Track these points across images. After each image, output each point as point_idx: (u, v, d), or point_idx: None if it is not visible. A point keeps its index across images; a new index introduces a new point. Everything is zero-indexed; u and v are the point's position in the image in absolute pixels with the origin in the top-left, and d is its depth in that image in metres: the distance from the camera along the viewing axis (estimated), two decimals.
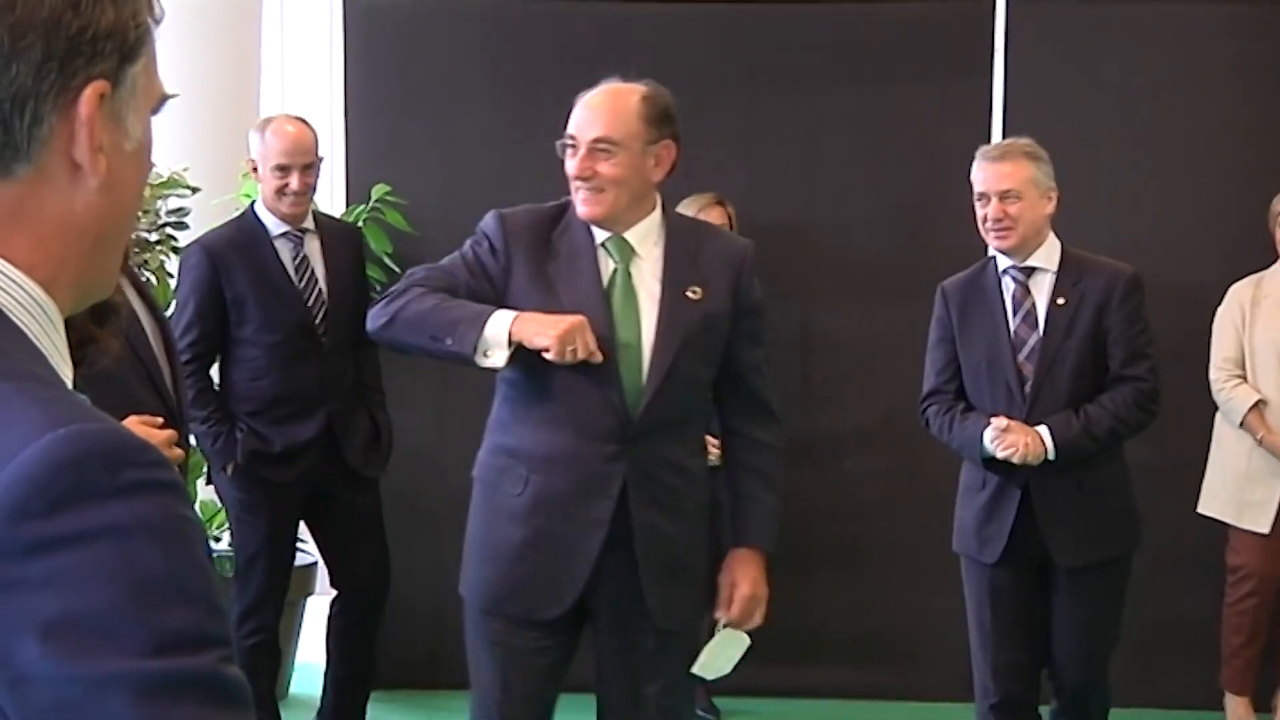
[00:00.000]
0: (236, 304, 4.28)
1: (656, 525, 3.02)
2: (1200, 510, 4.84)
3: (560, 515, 3.01)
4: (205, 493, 4.64)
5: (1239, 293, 4.81)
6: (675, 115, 3.04)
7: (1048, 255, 3.85)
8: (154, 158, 1.10)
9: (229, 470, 4.28)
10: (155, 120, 1.07)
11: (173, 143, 4.48)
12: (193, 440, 3.93)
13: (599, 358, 2.88)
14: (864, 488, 5.21)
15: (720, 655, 3.18)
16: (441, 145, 5.23)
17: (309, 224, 4.41)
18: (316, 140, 4.37)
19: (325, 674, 4.64)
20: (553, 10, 5.24)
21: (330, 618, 4.60)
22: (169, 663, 0.87)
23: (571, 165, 3.00)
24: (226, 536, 4.67)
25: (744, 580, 3.13)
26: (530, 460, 3.03)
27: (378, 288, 5.03)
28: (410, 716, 5.12)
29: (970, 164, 3.87)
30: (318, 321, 4.36)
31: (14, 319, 0.99)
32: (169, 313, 4.07)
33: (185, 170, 4.68)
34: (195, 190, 4.74)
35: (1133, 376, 3.80)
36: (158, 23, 1.04)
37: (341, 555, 4.55)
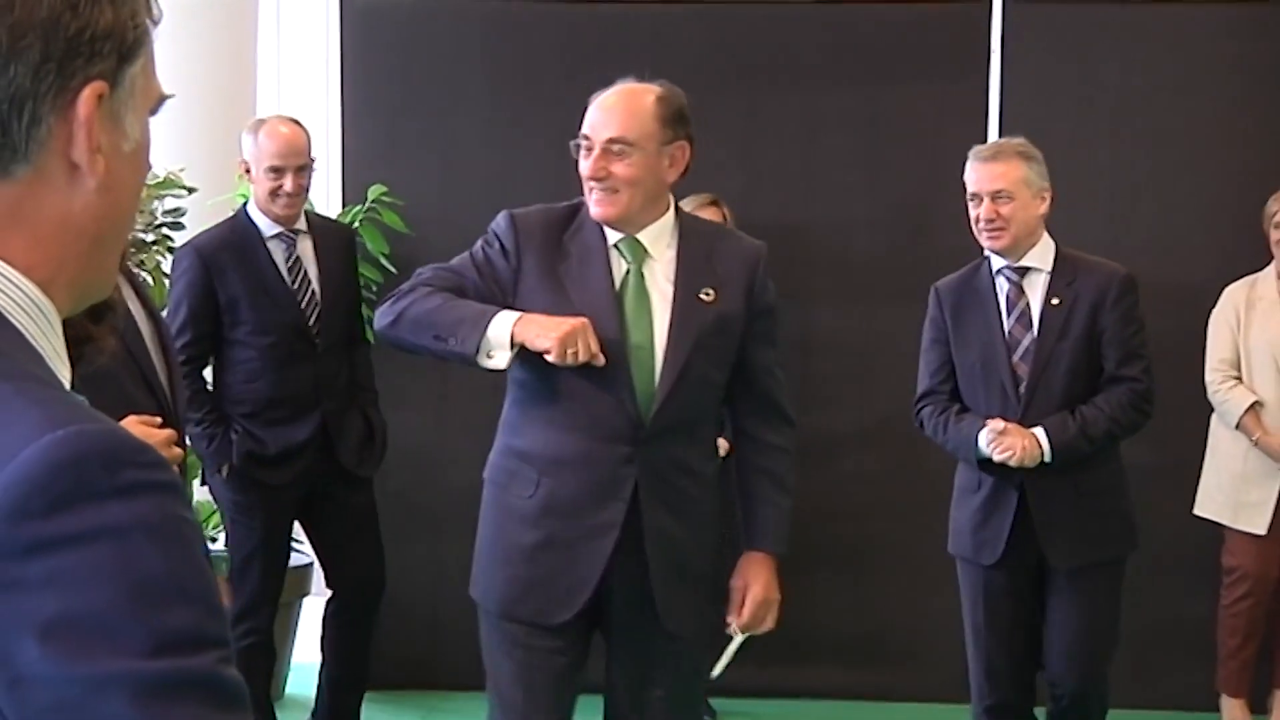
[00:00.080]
0: (230, 306, 4.27)
1: (667, 528, 3.01)
2: (1196, 512, 4.84)
3: (571, 518, 2.99)
4: (200, 493, 4.63)
5: (1234, 294, 4.81)
6: (689, 116, 3.02)
7: (1042, 255, 3.84)
8: (150, 158, 1.10)
9: (224, 472, 4.27)
10: (152, 121, 1.07)
11: (169, 143, 4.46)
12: (188, 441, 3.93)
13: (601, 361, 2.86)
14: (863, 488, 5.21)
15: (727, 655, 3.19)
16: (438, 146, 5.23)
17: (301, 225, 4.40)
18: (309, 141, 4.37)
19: (320, 674, 4.64)
20: (550, 10, 5.24)
21: (325, 618, 4.59)
22: (168, 663, 0.87)
23: (585, 166, 2.98)
24: (221, 537, 4.66)
25: (755, 584, 3.11)
26: (541, 462, 3.01)
27: (374, 288, 5.04)
28: (406, 717, 5.12)
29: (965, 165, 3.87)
30: (311, 323, 4.35)
31: (12, 320, 0.99)
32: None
33: (181, 171, 4.67)
34: (192, 191, 4.73)
35: (1128, 377, 3.79)
36: (156, 24, 1.04)
37: (337, 555, 4.55)
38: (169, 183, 4.64)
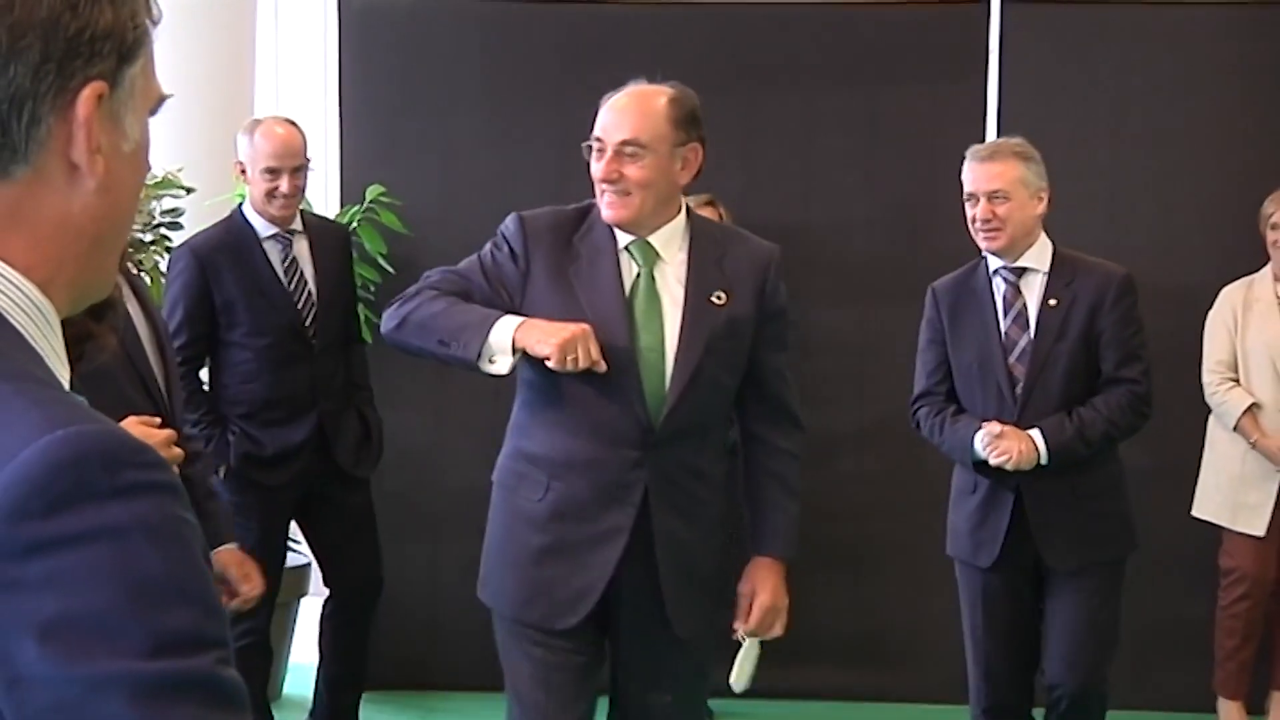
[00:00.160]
0: (226, 308, 4.26)
1: (676, 532, 2.99)
2: (1194, 513, 4.84)
3: (580, 522, 2.97)
4: None
5: (1230, 295, 4.81)
6: (701, 117, 2.99)
7: (1039, 256, 3.82)
8: (149, 158, 1.10)
9: (221, 473, 4.26)
10: (150, 121, 1.07)
11: (167, 143, 4.44)
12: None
13: (603, 367, 2.83)
14: (861, 488, 5.21)
15: (751, 665, 3.16)
16: (437, 146, 5.23)
17: (297, 225, 4.40)
18: (305, 142, 4.36)
19: (318, 674, 4.64)
20: (549, 10, 5.24)
21: (323, 618, 4.59)
22: (167, 664, 0.88)
23: (597, 168, 2.95)
24: None
25: (763, 590, 3.09)
26: (550, 466, 2.99)
27: (372, 289, 5.04)
28: (404, 717, 5.12)
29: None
30: (308, 323, 4.35)
31: (11, 320, 0.99)
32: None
33: (180, 171, 4.67)
34: (190, 191, 4.73)
35: (1126, 379, 3.77)
36: (156, 24, 1.04)
37: (334, 555, 4.55)
38: (167, 183, 4.64)
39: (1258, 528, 4.73)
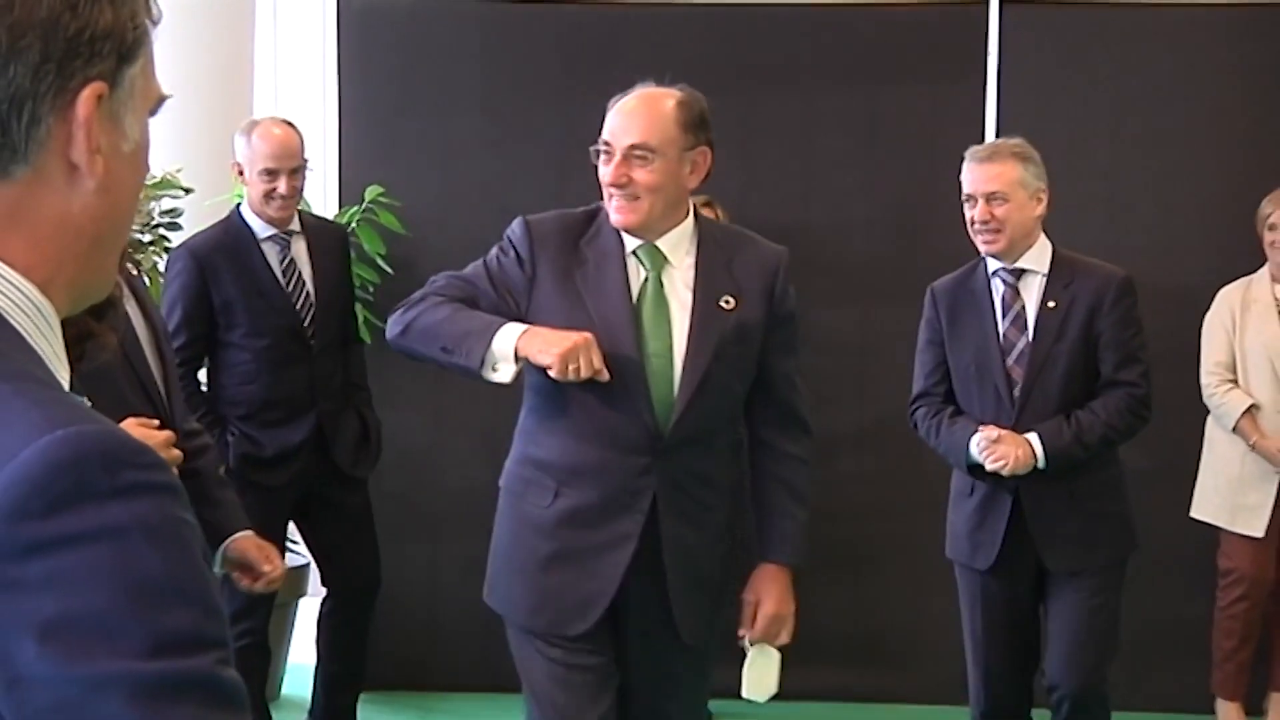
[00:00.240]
0: (224, 309, 4.26)
1: (683, 538, 2.97)
2: (1193, 515, 4.84)
3: (589, 529, 2.95)
4: None
5: (1228, 296, 4.81)
6: (710, 120, 2.97)
7: (1038, 257, 3.79)
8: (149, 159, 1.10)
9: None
10: (149, 121, 1.07)
11: (166, 143, 4.43)
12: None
13: (605, 376, 2.80)
14: (860, 489, 5.21)
15: (762, 674, 3.11)
16: (436, 147, 5.23)
17: (295, 226, 4.39)
18: (303, 143, 4.35)
19: (315, 674, 4.64)
20: (548, 11, 5.24)
21: (320, 617, 4.59)
22: (166, 664, 0.88)
23: (606, 172, 2.92)
24: None
25: (768, 598, 3.07)
26: (558, 472, 2.97)
27: (371, 289, 5.04)
28: (403, 717, 5.12)
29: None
30: (306, 324, 4.35)
31: (11, 321, 0.99)
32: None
33: (178, 171, 4.67)
34: (188, 191, 4.73)
35: (1125, 382, 3.74)
36: (155, 24, 1.04)
37: (332, 555, 4.55)
38: (166, 183, 4.64)
39: (1256, 529, 4.73)
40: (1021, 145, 3.78)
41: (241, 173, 4.32)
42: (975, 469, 3.76)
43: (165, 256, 4.58)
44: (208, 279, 4.23)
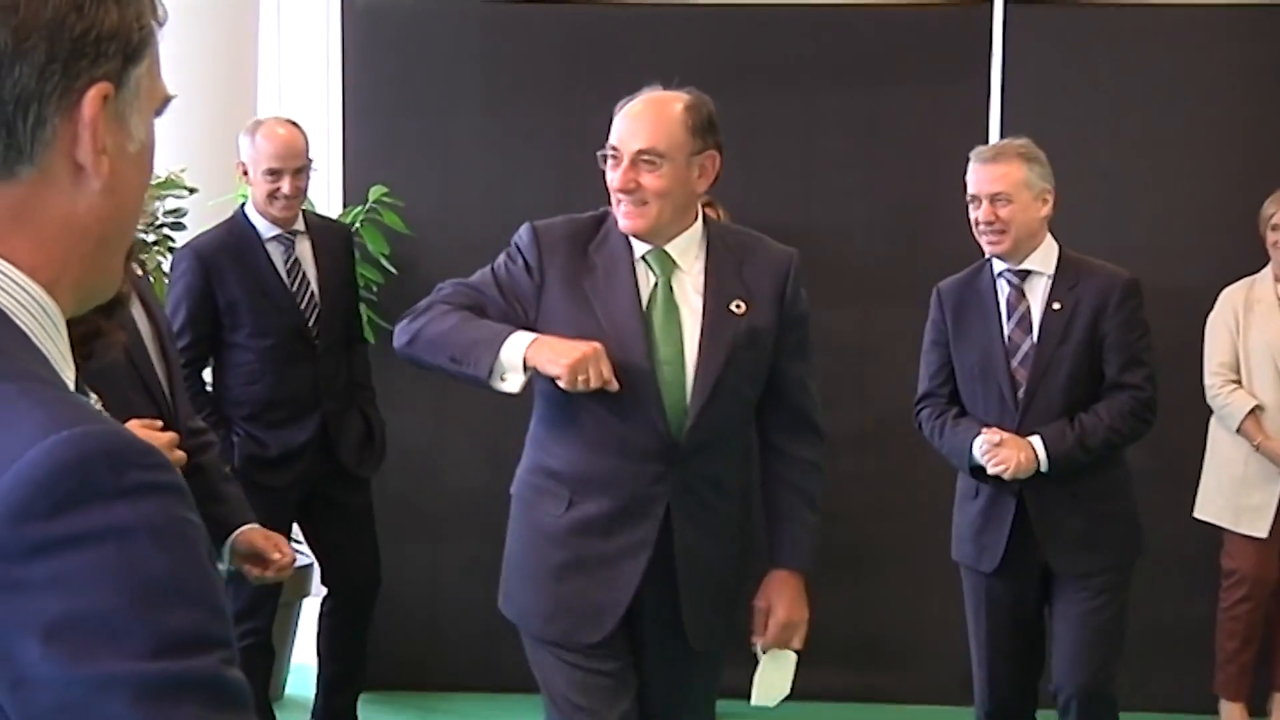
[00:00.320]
0: (229, 309, 4.26)
1: (697, 545, 2.95)
2: (1196, 515, 4.83)
3: (603, 537, 2.92)
4: None
5: (1231, 296, 4.81)
6: (718, 124, 2.94)
7: (1044, 258, 3.77)
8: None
9: None
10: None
11: (170, 143, 4.42)
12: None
13: (614, 386, 2.77)
14: (861, 489, 5.21)
15: (773, 679, 3.10)
16: (439, 147, 5.23)
17: (299, 226, 4.39)
18: (307, 143, 4.35)
19: (317, 674, 4.64)
20: (550, 12, 5.24)
21: (321, 617, 4.60)
22: (171, 664, 0.88)
23: (614, 178, 2.89)
24: None
25: (779, 605, 3.05)
26: (572, 482, 2.94)
27: (374, 289, 5.04)
28: (404, 717, 5.12)
29: (967, 166, 3.84)
30: (310, 324, 4.35)
31: (16, 320, 0.99)
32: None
33: (183, 171, 4.67)
34: (192, 191, 4.73)
35: (1130, 385, 3.71)
36: (161, 25, 1.04)
37: (334, 554, 4.55)
38: (170, 183, 4.64)
39: (1260, 529, 4.72)
40: (1027, 146, 3.75)
41: (246, 172, 4.32)
42: (978, 471, 3.74)
43: (169, 256, 4.59)
44: (212, 279, 4.23)
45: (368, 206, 5.10)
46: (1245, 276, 4.82)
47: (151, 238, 4.64)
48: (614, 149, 2.90)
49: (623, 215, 2.91)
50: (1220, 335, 4.78)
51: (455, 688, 5.25)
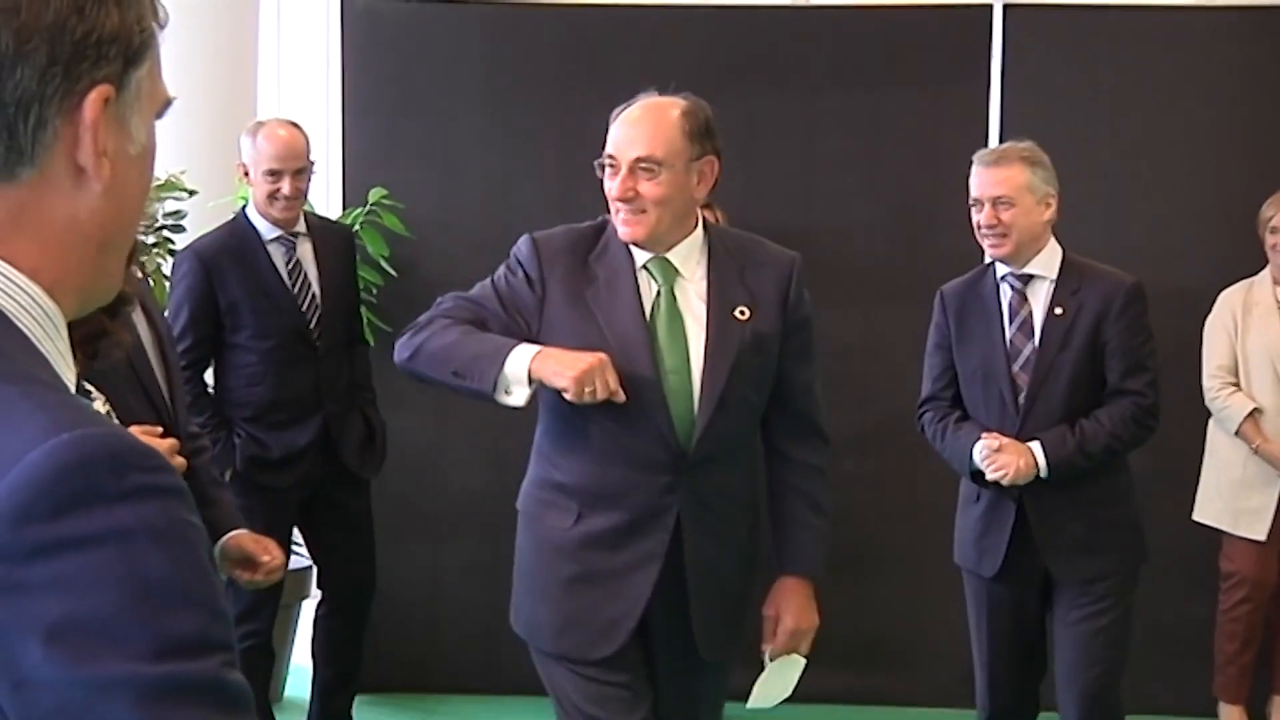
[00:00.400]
0: (231, 311, 4.26)
1: (707, 555, 2.93)
2: (1195, 518, 4.83)
3: (613, 550, 2.89)
4: None
5: (1230, 299, 4.80)
6: (715, 128, 2.91)
7: (1047, 263, 3.74)
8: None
9: (227, 476, 4.26)
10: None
11: (169, 145, 4.42)
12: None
13: (621, 397, 2.74)
14: (861, 491, 5.20)
15: (774, 683, 3.09)
16: (439, 148, 5.23)
17: (301, 227, 4.40)
18: (308, 144, 4.36)
19: (313, 676, 4.64)
20: (550, 13, 5.24)
21: (316, 620, 4.60)
22: (172, 667, 0.88)
23: (612, 186, 2.86)
24: None
25: (788, 613, 3.03)
26: (580, 495, 2.91)
27: (374, 291, 5.05)
28: (403, 718, 5.12)
29: (967, 168, 3.79)
30: (312, 326, 4.35)
31: (17, 323, 0.99)
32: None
33: (182, 173, 4.68)
34: (192, 193, 4.73)
35: (1131, 390, 3.68)
36: (162, 27, 1.04)
37: (332, 556, 4.55)
38: (170, 185, 4.64)
39: (1259, 532, 4.72)
40: (1031, 149, 3.73)
41: (247, 173, 4.32)
42: (978, 476, 3.72)
43: (169, 259, 4.59)
44: (213, 281, 4.24)
45: (367, 209, 5.10)
46: (1244, 279, 4.82)
47: (151, 240, 4.64)
48: (611, 157, 2.87)
49: (622, 224, 2.88)
50: (1219, 338, 4.78)
51: (455, 689, 5.25)
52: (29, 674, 0.86)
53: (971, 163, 3.77)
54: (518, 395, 2.76)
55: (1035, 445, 3.65)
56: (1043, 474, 3.64)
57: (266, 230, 4.33)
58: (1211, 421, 4.82)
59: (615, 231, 2.92)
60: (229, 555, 3.14)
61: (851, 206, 5.21)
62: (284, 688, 5.16)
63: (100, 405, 2.69)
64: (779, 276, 2.98)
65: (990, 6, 5.12)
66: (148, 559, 0.88)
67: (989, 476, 3.66)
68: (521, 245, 2.96)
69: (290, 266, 4.35)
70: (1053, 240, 3.77)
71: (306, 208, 4.52)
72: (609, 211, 2.93)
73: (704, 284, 2.93)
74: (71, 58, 0.97)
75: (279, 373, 4.29)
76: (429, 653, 5.26)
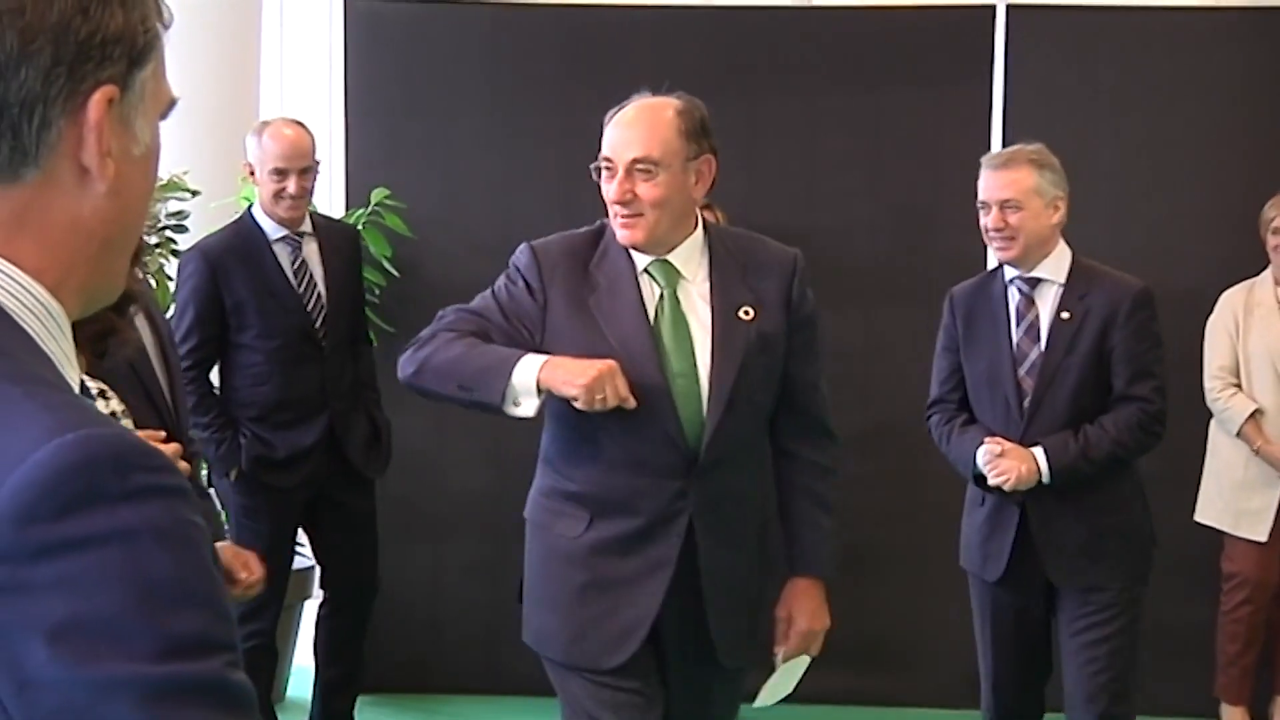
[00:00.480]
0: (236, 310, 4.26)
1: (722, 559, 2.89)
2: (1197, 519, 4.83)
3: (624, 557, 2.86)
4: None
5: (1231, 300, 4.80)
6: (710, 126, 2.87)
7: (1055, 266, 3.70)
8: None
9: (232, 476, 4.27)
10: None
11: (172, 146, 4.43)
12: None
13: (631, 404, 2.71)
14: (863, 492, 5.19)
15: (779, 682, 3.08)
16: (441, 149, 5.23)
17: (306, 227, 4.40)
18: (314, 144, 4.36)
19: (315, 677, 4.64)
20: (552, 14, 5.25)
21: (318, 620, 4.60)
22: (175, 668, 0.88)
23: (609, 189, 2.83)
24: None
25: (801, 615, 3.01)
26: (590, 502, 2.88)
27: (377, 292, 5.05)
28: (404, 718, 5.12)
29: (969, 168, 3.80)
30: (317, 325, 4.36)
31: (21, 323, 0.99)
32: (167, 317, 4.07)
33: (185, 173, 4.68)
34: (195, 193, 4.74)
35: (1137, 397, 3.64)
36: (167, 28, 1.04)
37: (335, 556, 4.55)
38: (172, 185, 4.64)
39: (1260, 533, 4.72)
40: (1039, 152, 3.70)
41: (253, 173, 4.33)
42: (981, 480, 3.70)
43: (172, 259, 4.59)
44: (219, 280, 4.24)
45: (370, 209, 5.10)
46: (1245, 279, 4.82)
47: (154, 240, 4.64)
48: (607, 160, 2.84)
49: (620, 227, 2.85)
50: (1220, 339, 4.78)
51: (456, 689, 5.25)
52: (33, 674, 0.86)
53: (977, 164, 3.76)
54: (527, 406, 2.73)
55: (1038, 451, 3.62)
56: (1045, 480, 3.61)
57: (272, 230, 4.33)
58: (1213, 422, 4.82)
59: (614, 235, 2.89)
60: None
61: (853, 207, 5.20)
62: (286, 688, 5.17)
63: (115, 404, 2.69)
64: (782, 275, 2.96)
65: (993, 7, 5.12)
66: (151, 559, 0.88)
67: (991, 482, 3.64)
68: (520, 254, 2.93)
69: (296, 266, 4.35)
70: (1062, 243, 3.74)
71: (310, 208, 4.53)
72: (608, 214, 2.91)
73: (707, 285, 2.91)
74: (76, 58, 0.97)
75: (284, 372, 4.30)
76: (430, 653, 5.26)
